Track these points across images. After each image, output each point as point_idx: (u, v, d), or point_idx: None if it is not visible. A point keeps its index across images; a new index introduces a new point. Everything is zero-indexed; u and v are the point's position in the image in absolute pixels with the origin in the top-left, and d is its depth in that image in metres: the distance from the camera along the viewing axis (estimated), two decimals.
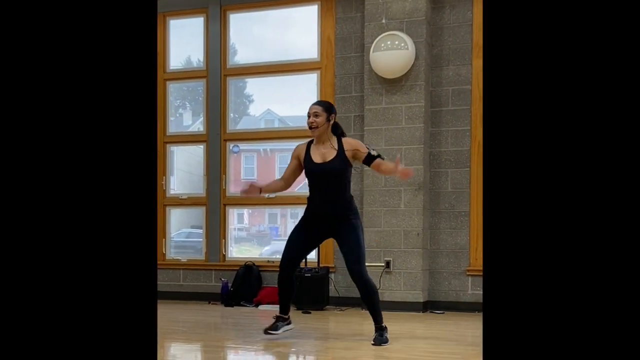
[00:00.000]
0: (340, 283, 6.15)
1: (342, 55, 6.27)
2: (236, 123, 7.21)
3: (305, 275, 5.87)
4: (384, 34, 5.78)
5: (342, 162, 4.06)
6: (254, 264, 6.44)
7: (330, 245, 6.23)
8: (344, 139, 4.16)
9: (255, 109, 7.70)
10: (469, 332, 4.47)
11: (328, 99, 6.29)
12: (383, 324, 4.09)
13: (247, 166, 8.44)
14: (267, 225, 8.66)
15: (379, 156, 4.07)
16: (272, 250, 7.84)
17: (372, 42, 5.83)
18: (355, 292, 6.05)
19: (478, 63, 5.87)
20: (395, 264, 5.78)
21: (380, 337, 4.01)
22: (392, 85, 5.84)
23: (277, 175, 8.99)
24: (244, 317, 5.53)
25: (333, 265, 6.19)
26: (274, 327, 4.22)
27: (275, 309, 6.01)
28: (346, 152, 4.07)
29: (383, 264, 5.79)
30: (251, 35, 7.10)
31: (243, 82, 7.34)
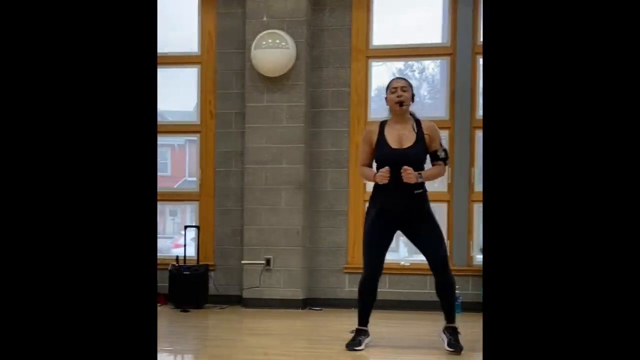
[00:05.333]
0: (220, 281, 6.09)
1: (223, 51, 6.21)
2: None
3: (184, 272, 5.76)
4: (265, 32, 5.79)
5: (422, 148, 3.60)
6: None
7: (210, 242, 6.15)
8: (422, 121, 3.68)
9: None
10: (344, 327, 4.58)
11: (208, 95, 6.21)
12: (456, 325, 3.69)
13: None
14: None
15: (443, 160, 3.65)
16: None
17: (253, 39, 5.82)
18: (233, 290, 6.03)
19: (356, 66, 6.02)
20: (275, 261, 5.81)
21: (457, 344, 3.59)
22: (274, 83, 5.86)
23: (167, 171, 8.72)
24: None
25: (213, 263, 6.11)
26: (357, 343, 3.74)
27: None
28: (425, 137, 3.62)
29: (263, 262, 5.80)
30: None
31: None
